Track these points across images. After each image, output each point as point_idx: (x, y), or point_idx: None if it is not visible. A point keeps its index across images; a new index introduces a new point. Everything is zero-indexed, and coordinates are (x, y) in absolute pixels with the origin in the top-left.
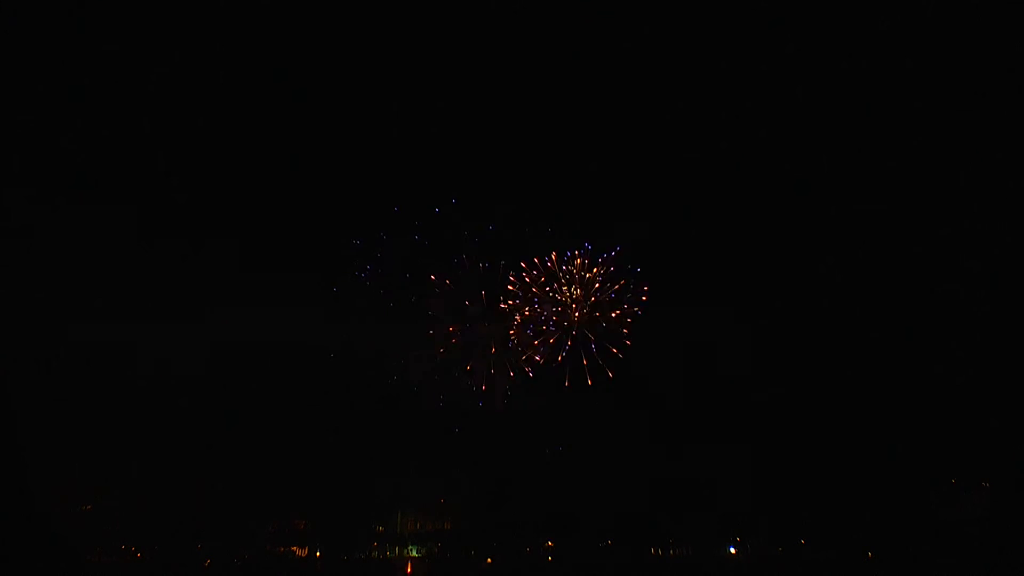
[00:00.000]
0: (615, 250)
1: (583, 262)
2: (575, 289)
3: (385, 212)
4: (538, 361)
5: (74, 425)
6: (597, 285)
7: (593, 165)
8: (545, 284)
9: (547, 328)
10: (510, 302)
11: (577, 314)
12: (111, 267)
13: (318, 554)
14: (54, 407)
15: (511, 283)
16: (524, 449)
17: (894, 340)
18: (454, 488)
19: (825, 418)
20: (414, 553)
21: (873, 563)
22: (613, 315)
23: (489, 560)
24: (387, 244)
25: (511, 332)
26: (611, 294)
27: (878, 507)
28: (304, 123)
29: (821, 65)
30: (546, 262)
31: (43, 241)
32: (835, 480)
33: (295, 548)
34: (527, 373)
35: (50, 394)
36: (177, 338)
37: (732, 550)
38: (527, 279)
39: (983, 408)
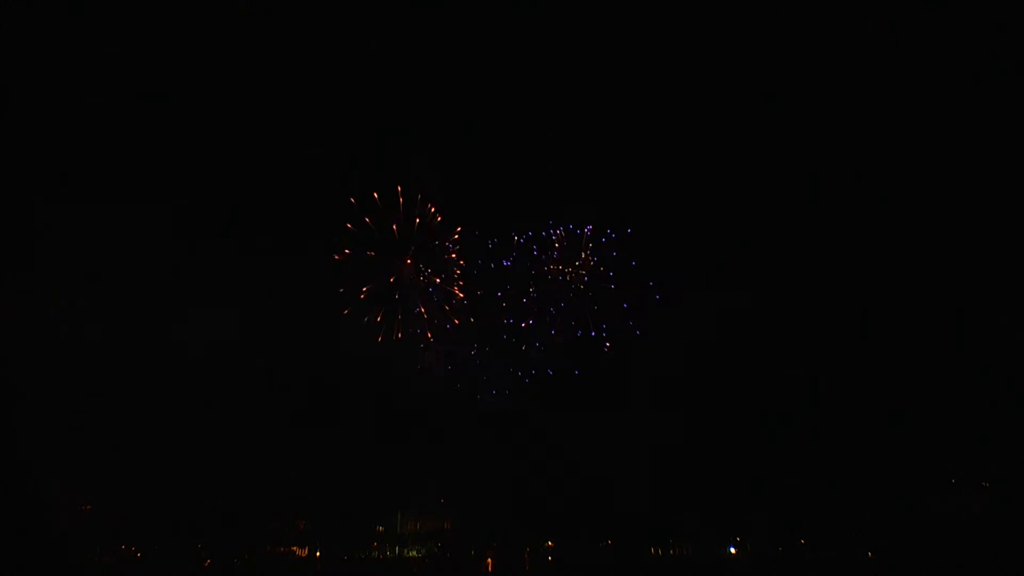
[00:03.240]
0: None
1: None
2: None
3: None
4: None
5: (74, 425)
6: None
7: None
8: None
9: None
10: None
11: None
12: (111, 265)
13: (318, 554)
14: (54, 407)
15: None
16: (524, 448)
17: (894, 339)
18: (454, 488)
19: (825, 417)
20: (414, 553)
21: (873, 563)
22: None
23: (489, 560)
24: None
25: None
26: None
27: (878, 507)
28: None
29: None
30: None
31: (42, 240)
32: (835, 480)
33: (295, 548)
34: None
35: (50, 394)
36: (178, 336)
37: (732, 550)
38: None
39: (983, 408)
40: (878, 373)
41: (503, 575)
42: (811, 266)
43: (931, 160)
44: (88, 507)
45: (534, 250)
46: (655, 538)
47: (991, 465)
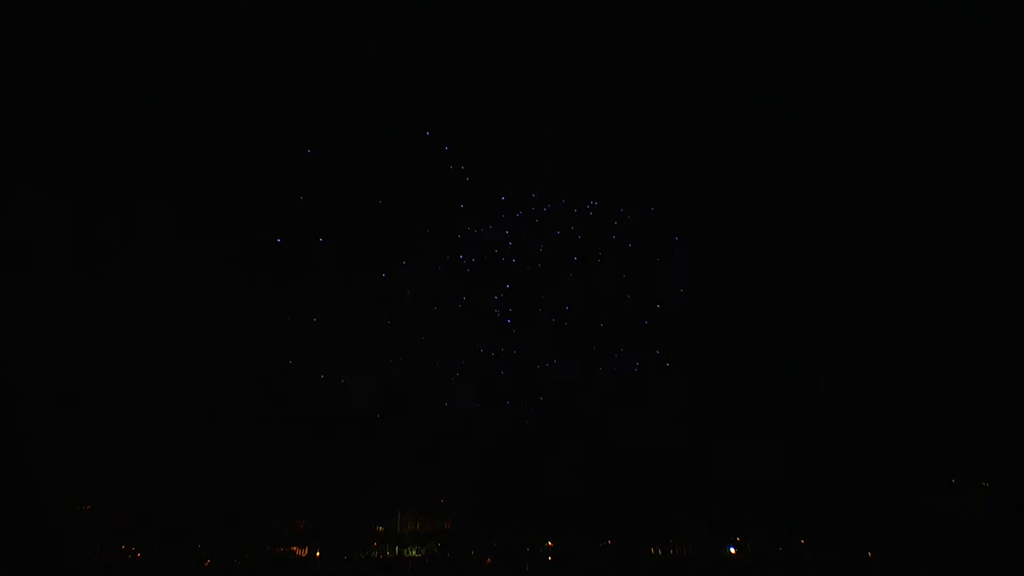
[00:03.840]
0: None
1: None
2: None
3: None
4: None
5: (74, 424)
6: None
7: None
8: None
9: None
10: None
11: None
12: (112, 265)
13: (318, 554)
14: (54, 407)
15: None
16: (525, 447)
17: (893, 339)
18: (454, 488)
19: (825, 417)
20: (414, 553)
21: (873, 563)
22: None
23: (489, 560)
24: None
25: None
26: None
27: (878, 507)
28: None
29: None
30: None
31: (43, 239)
32: (835, 479)
33: (295, 548)
34: None
35: (50, 394)
36: (177, 335)
37: (732, 550)
38: None
39: (983, 408)
40: (878, 373)
41: (503, 575)
42: (811, 265)
43: (932, 160)
44: (88, 507)
45: (508, 240)
46: (655, 538)
47: (991, 465)
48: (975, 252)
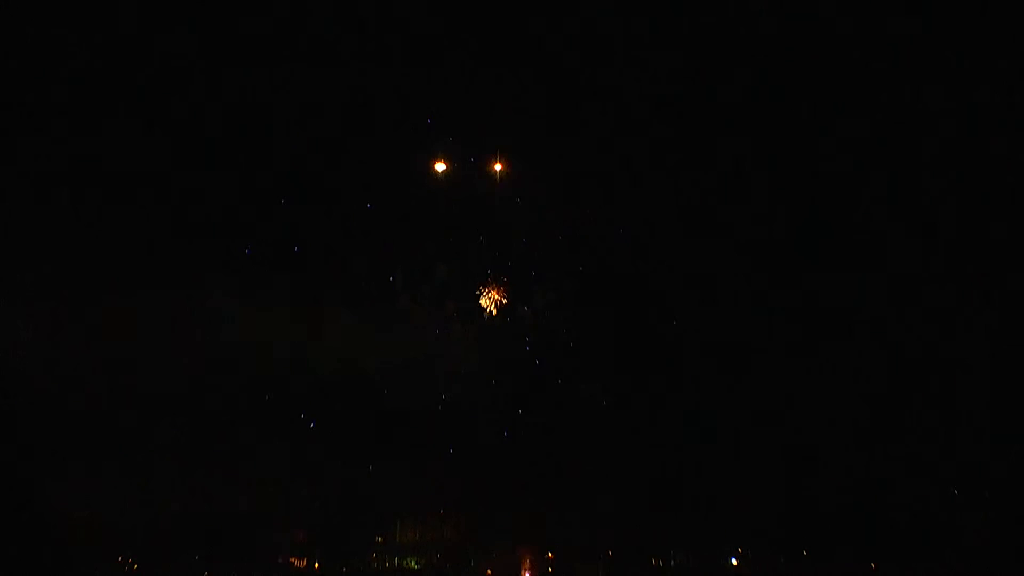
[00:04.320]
0: None
1: None
2: None
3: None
4: None
5: (73, 431)
6: None
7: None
8: None
9: None
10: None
11: None
12: (112, 266)
13: (316, 565)
14: (53, 409)
15: None
16: (525, 455)
17: (893, 339)
18: (454, 497)
19: (824, 418)
20: (413, 564)
21: (877, 574)
22: None
23: (489, 572)
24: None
25: None
26: None
27: (880, 516)
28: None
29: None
30: None
31: (41, 237)
32: (837, 487)
33: (293, 559)
34: None
35: (50, 396)
36: (178, 340)
37: (734, 561)
38: None
39: (983, 408)
40: (877, 373)
41: None
42: (811, 264)
43: (932, 160)
44: (87, 516)
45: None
46: (656, 548)
47: (991, 467)
48: (975, 252)
